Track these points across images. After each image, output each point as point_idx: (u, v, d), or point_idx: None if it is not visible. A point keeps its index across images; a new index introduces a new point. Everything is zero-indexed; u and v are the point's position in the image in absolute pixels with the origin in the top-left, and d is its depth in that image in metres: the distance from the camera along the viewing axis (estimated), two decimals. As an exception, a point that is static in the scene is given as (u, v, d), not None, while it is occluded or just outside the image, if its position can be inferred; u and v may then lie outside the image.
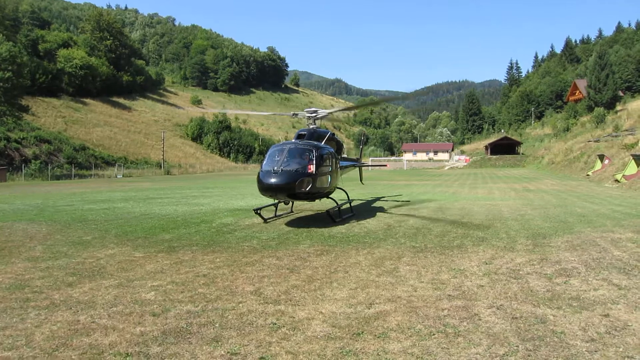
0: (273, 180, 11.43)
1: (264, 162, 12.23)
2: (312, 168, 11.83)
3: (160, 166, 69.65)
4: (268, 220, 13.33)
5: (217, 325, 5.00)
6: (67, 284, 6.71)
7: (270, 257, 8.41)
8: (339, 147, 15.06)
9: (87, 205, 18.74)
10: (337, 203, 13.53)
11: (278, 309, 5.55)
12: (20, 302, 5.85)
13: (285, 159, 11.94)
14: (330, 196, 13.52)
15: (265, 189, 11.62)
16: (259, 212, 13.40)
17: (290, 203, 15.16)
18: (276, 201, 13.85)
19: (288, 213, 15.17)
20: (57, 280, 6.96)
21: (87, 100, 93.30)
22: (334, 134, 14.76)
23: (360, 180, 20.69)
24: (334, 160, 13.47)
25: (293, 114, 15.64)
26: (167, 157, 75.30)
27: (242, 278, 7.00)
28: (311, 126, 14.39)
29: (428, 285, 6.55)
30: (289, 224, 12.83)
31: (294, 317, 5.23)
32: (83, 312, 5.46)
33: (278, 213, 14.48)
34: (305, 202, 13.85)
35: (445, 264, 7.82)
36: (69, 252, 9.05)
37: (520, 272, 7.20)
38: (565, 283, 6.59)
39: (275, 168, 11.62)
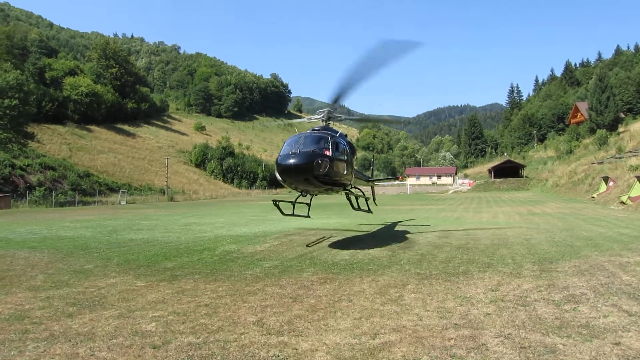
0: (292, 160, 11.29)
1: (282, 150, 12.10)
2: (329, 152, 11.87)
3: (164, 192, 69.76)
4: (286, 215, 13.88)
5: (218, 358, 4.89)
6: (67, 315, 6.62)
7: (273, 286, 8.30)
8: (352, 150, 14.73)
9: (89, 232, 18.68)
10: (353, 202, 13.45)
11: (281, 340, 5.43)
12: (19, 334, 5.76)
13: (303, 144, 11.95)
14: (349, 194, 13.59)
15: (284, 170, 11.41)
16: (277, 204, 13.80)
17: (308, 205, 15.04)
18: (295, 199, 14.14)
19: (305, 216, 14.91)
20: (57, 310, 6.86)
21: (92, 127, 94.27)
22: (346, 135, 14.63)
23: (374, 201, 20.14)
24: (349, 151, 13.59)
25: (308, 118, 15.61)
26: (170, 183, 75.49)
27: (244, 308, 6.89)
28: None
29: (434, 313, 6.42)
30: (292, 250, 12.73)
31: (297, 349, 5.12)
32: (82, 345, 5.35)
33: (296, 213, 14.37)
34: (324, 194, 13.71)
35: (451, 291, 7.69)
36: (70, 281, 8.96)
37: (528, 299, 7.06)
38: (574, 310, 6.45)
39: (293, 151, 11.60)
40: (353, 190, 14.32)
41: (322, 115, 14.67)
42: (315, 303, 7.09)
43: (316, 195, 13.63)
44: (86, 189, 60.04)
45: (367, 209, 14.55)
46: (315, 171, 11.36)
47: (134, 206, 50.13)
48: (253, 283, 8.60)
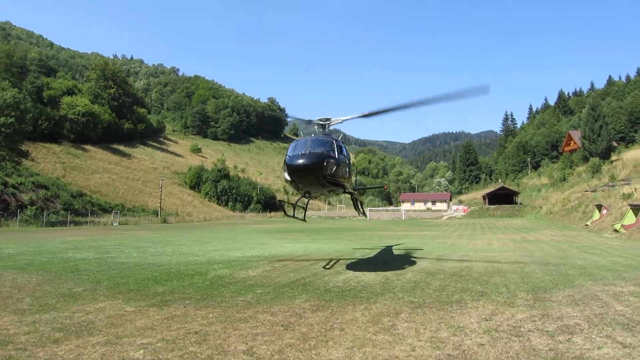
0: (302, 160, 11.68)
1: (289, 152, 12.63)
2: (335, 154, 12.51)
3: (157, 214, 69.34)
4: (287, 216, 15.16)
5: (206, 388, 4.78)
6: (53, 341, 6.47)
7: (264, 313, 8.18)
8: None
9: (80, 254, 18.46)
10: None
11: (271, 369, 5.32)
12: (2, 361, 5.62)
13: (311, 146, 12.49)
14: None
15: (294, 169, 11.76)
16: (282, 204, 15.27)
17: (304, 210, 15.48)
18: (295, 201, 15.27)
19: (301, 219, 15.42)
20: (43, 336, 6.71)
21: (88, 147, 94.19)
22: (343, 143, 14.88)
23: (363, 213, 19.70)
24: (348, 156, 14.22)
25: (307, 121, 15.69)
26: (164, 204, 75.13)
27: (234, 335, 6.77)
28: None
29: (427, 344, 6.33)
30: (284, 276, 12.60)
31: (287, 379, 5.01)
32: (67, 372, 5.22)
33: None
34: (326, 195, 14.68)
35: (444, 320, 7.60)
36: (58, 305, 8.80)
37: (522, 329, 6.99)
38: (568, 341, 6.38)
39: (303, 152, 12.06)
40: (354, 193, 15.59)
41: (321, 129, 14.85)
42: (307, 331, 6.98)
43: (316, 197, 14.26)
44: (78, 208, 59.61)
45: (363, 212, 16.30)
46: (324, 171, 11.87)
47: (126, 227, 49.74)
48: (244, 309, 8.47)
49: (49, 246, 22.47)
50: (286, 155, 12.64)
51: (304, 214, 15.40)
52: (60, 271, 13.35)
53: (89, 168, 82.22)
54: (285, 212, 15.01)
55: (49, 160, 76.27)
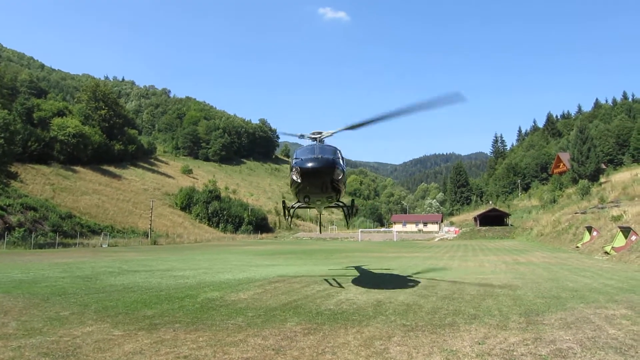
0: (315, 164, 11.94)
1: (299, 156, 13.16)
2: (340, 162, 13.10)
3: (147, 235, 68.70)
4: (286, 219, 16.84)
5: (195, 415, 4.67)
6: (38, 366, 6.32)
7: (255, 337, 8.06)
8: None
9: (67, 276, 18.18)
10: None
11: (262, 395, 5.22)
12: (-15, 388, 5.47)
13: (320, 151, 12.97)
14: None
15: (307, 172, 11.96)
16: (285, 205, 16.39)
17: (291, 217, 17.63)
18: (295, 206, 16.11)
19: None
20: (28, 361, 6.56)
21: (77, 168, 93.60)
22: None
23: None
24: (345, 167, 14.47)
25: (300, 135, 15.91)
26: (154, 226, 74.51)
27: (225, 360, 6.65)
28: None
29: (420, 368, 6.26)
30: (276, 298, 12.47)
31: (278, 406, 4.91)
32: (52, 400, 5.08)
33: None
34: (324, 202, 14.89)
35: (437, 344, 7.54)
36: (44, 330, 8.62)
37: (515, 353, 6.95)
38: (561, 366, 6.35)
39: (314, 156, 12.37)
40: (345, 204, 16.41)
41: (313, 134, 15.24)
42: (299, 355, 6.88)
43: (312, 205, 15.29)
44: (67, 230, 58.91)
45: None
46: (334, 175, 12.34)
47: (115, 249, 49.17)
48: (235, 333, 8.35)
49: (37, 269, 22.12)
50: (294, 159, 13.15)
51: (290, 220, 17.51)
52: (47, 294, 13.12)
53: (78, 189, 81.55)
54: (285, 215, 16.35)
55: (38, 182, 75.61)
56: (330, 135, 15.50)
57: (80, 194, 79.31)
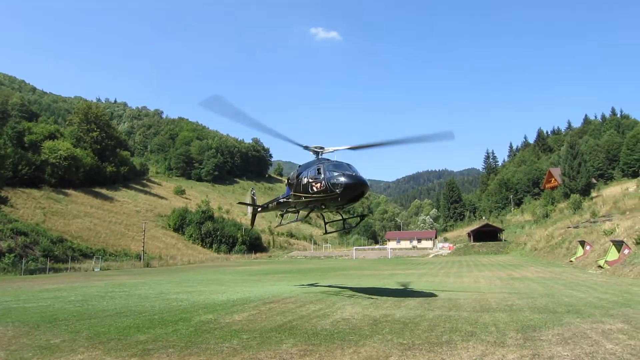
0: (360, 180, 15.22)
1: (336, 170, 15.49)
2: None
3: (140, 258, 68.01)
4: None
5: None
6: (28, 396, 6.17)
7: None
8: None
9: (59, 303, 17.90)
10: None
11: (258, 421, 5.12)
12: (-27, 420, 5.32)
13: (352, 169, 15.65)
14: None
15: (356, 184, 15.06)
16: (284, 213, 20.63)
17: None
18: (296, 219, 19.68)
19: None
20: (18, 391, 6.40)
21: (69, 191, 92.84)
22: None
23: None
24: None
25: (305, 147, 17.47)
26: (147, 248, 73.82)
27: (219, 385, 6.53)
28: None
29: (418, 388, 6.18)
30: (271, 320, 12.32)
31: None
32: None
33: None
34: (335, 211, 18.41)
35: (434, 363, 7.46)
36: (34, 359, 8.44)
37: (513, 371, 6.88)
38: (560, 383, 6.29)
39: (356, 174, 15.35)
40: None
41: (316, 148, 17.49)
42: (295, 378, 6.77)
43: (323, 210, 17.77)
44: (58, 255, 58.14)
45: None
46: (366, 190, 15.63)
47: (108, 273, 48.59)
48: (230, 357, 8.23)
49: (27, 295, 21.79)
50: (329, 171, 15.53)
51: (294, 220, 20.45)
52: (38, 321, 12.88)
53: (70, 213, 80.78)
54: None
55: (28, 206, 74.83)
56: (332, 151, 17.48)
57: (72, 217, 78.54)
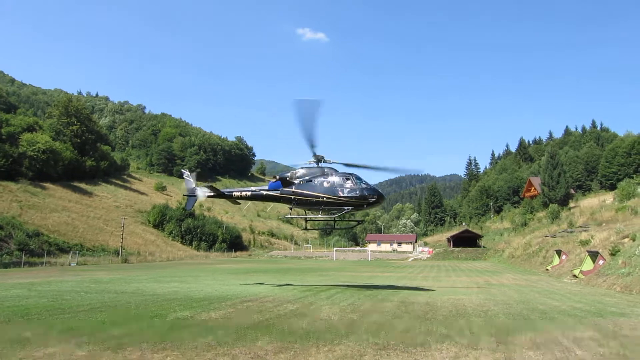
0: (383, 199, 21.30)
1: (366, 183, 20.41)
2: None
3: (118, 254, 67.11)
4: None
5: None
6: (-5, 388, 6.06)
7: (224, 356, 7.92)
8: None
9: (32, 297, 17.59)
10: None
11: (229, 417, 5.10)
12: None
13: (365, 181, 20.73)
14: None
15: (381, 197, 20.57)
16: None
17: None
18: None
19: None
20: (-15, 383, 6.28)
21: (47, 185, 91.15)
22: None
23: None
24: None
25: (314, 154, 20.78)
26: (126, 244, 72.88)
27: (192, 380, 6.50)
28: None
29: (390, 388, 6.22)
30: (247, 317, 12.27)
31: None
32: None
33: None
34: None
35: (408, 364, 7.53)
36: (4, 352, 8.28)
37: (485, 373, 6.98)
38: (530, 385, 6.40)
39: (373, 187, 20.49)
40: None
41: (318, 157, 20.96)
42: (269, 376, 6.77)
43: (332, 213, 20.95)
44: (34, 249, 57.04)
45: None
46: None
47: (84, 268, 47.84)
48: (204, 352, 8.18)
49: (0, 289, 21.35)
50: (360, 181, 20.29)
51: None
52: (10, 315, 12.63)
53: (47, 206, 79.30)
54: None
55: (4, 199, 73.23)
56: (330, 162, 21.29)
57: (49, 211, 77.13)
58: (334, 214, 20.74)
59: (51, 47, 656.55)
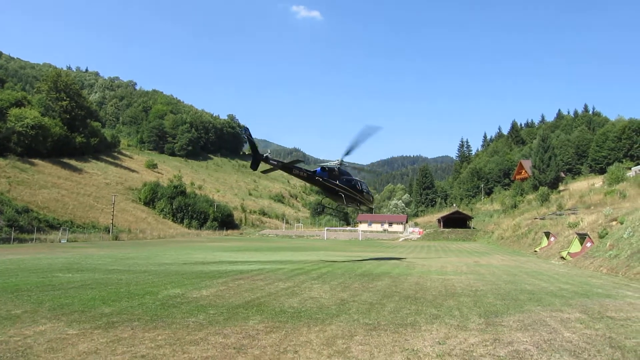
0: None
1: (364, 185, 27.18)
2: None
3: (109, 231, 66.99)
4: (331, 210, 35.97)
5: (150, 417, 4.54)
6: (-15, 366, 6.03)
7: (216, 335, 7.93)
8: None
9: (22, 273, 17.51)
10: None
11: (220, 396, 5.12)
12: None
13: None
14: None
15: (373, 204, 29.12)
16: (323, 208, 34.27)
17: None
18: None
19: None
20: (-26, 360, 6.25)
21: (36, 161, 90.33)
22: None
23: None
24: None
25: (342, 160, 26.21)
26: (116, 221, 72.72)
27: (184, 359, 6.51)
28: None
29: (381, 368, 6.27)
30: (239, 296, 12.31)
31: (237, 406, 4.83)
32: (-2, 401, 4.85)
33: None
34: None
35: (398, 343, 7.59)
36: (-6, 327, 8.24)
37: (474, 354, 7.05)
38: (518, 366, 6.47)
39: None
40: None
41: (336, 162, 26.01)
42: (260, 354, 6.80)
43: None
44: (24, 225, 56.80)
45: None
46: None
47: (75, 245, 47.74)
48: (195, 331, 8.19)
49: (-12, 263, 21.22)
50: (365, 185, 27.39)
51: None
52: (-2, 290, 12.57)
53: (36, 183, 78.71)
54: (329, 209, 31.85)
55: (-7, 174, 72.61)
56: (332, 164, 25.87)
57: (39, 188, 76.59)
58: (350, 206, 27.40)
59: (40, 24, 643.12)
